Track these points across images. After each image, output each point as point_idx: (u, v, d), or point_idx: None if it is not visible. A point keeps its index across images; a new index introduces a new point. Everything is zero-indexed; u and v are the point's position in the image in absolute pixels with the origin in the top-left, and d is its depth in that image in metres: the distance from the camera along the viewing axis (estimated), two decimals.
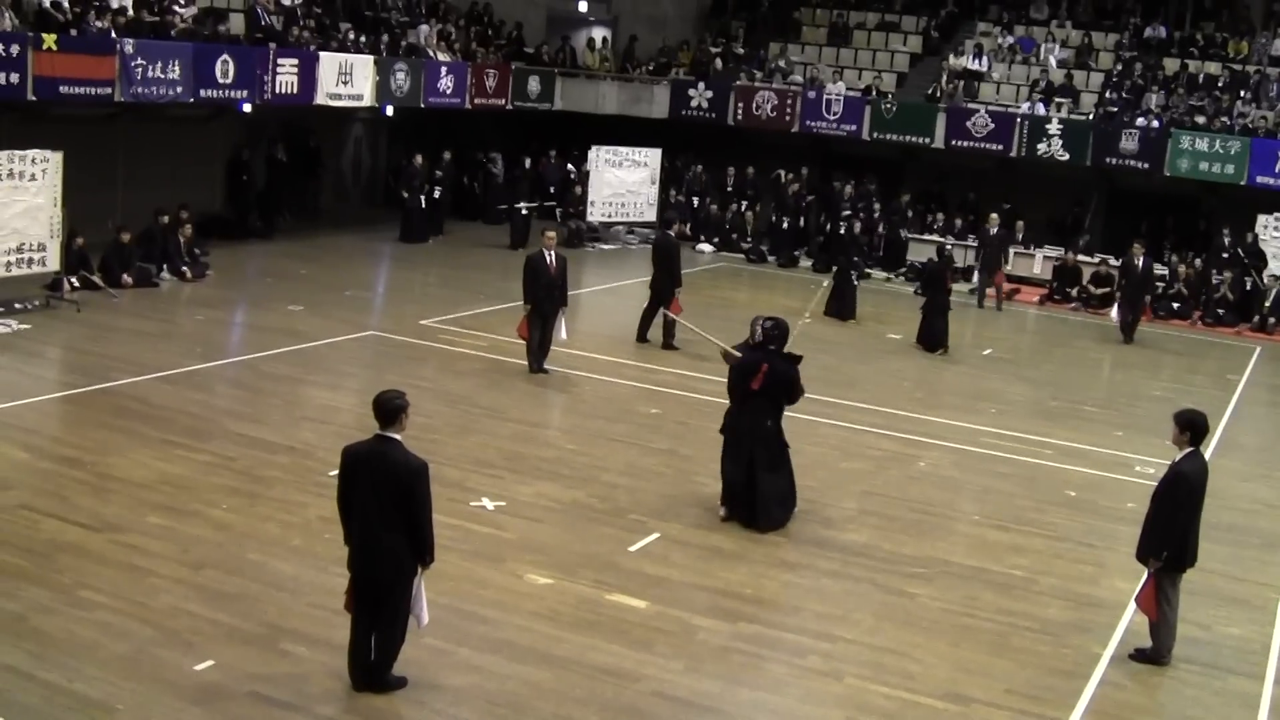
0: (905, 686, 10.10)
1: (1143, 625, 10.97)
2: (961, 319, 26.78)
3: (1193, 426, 10.53)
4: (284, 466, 13.86)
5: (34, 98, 21.42)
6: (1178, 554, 10.48)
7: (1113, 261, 28.91)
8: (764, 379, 12.93)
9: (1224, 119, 30.49)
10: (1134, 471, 15.91)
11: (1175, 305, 28.22)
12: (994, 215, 28.02)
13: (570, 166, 34.27)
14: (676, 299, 20.63)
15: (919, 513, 14.20)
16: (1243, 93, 31.67)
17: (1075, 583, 12.53)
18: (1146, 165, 29.79)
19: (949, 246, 25.74)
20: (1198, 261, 29.08)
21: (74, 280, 20.93)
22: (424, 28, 32.23)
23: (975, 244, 29.18)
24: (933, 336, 22.73)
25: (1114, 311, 25.94)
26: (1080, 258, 29.56)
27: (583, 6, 38.97)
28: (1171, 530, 10.41)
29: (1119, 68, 33.69)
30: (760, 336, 13.20)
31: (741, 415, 13.19)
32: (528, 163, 32.54)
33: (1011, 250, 29.02)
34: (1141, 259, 25.40)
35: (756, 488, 13.06)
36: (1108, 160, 30.20)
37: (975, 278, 28.42)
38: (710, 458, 15.29)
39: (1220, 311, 28.09)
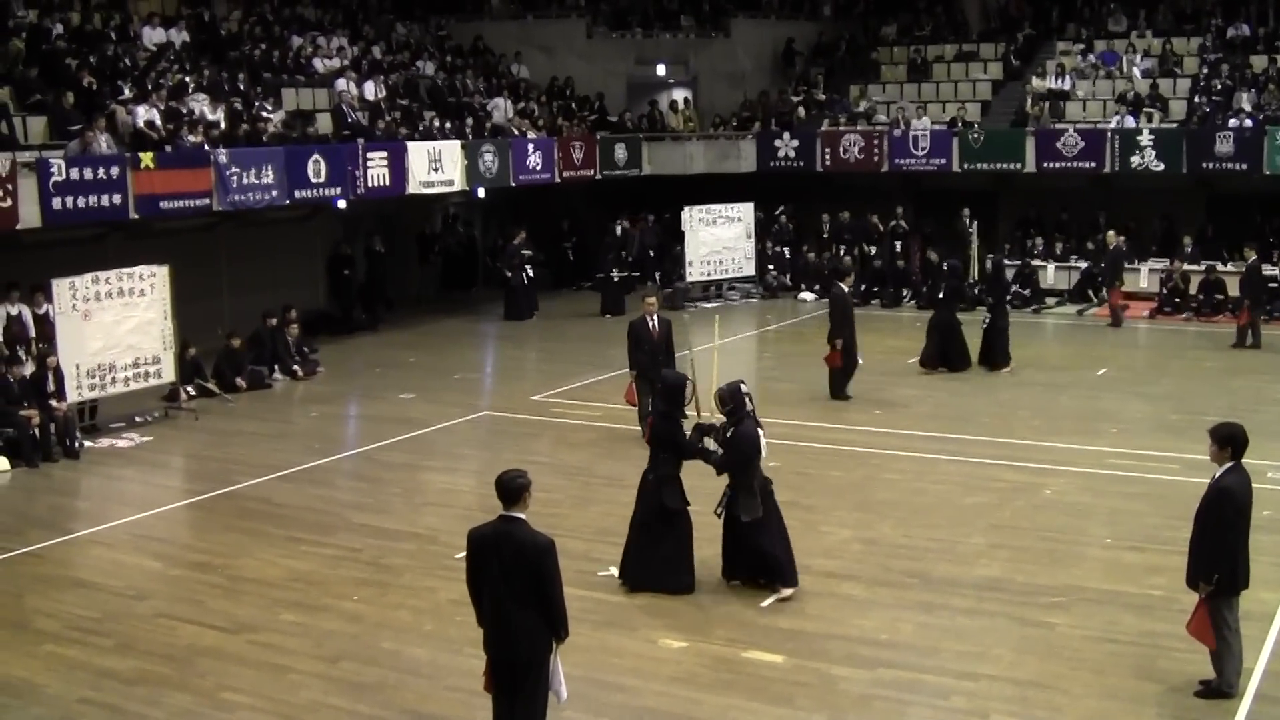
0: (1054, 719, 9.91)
1: None
2: (1072, 340, 26.55)
3: (1233, 441, 10.03)
4: (410, 553, 13.98)
5: (136, 215, 22.03)
6: (1229, 576, 9.94)
7: (1221, 267, 28.49)
8: (649, 430, 12.78)
9: None
10: (1267, 479, 15.43)
11: None
12: (1111, 233, 28.17)
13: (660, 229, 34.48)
14: (835, 350, 20.68)
15: (1049, 541, 13.97)
16: None
17: None
18: (1245, 166, 29.26)
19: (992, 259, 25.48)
20: None
21: (190, 389, 21.36)
22: (499, 100, 32.65)
23: (1092, 262, 29.31)
24: (994, 353, 23.19)
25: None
26: (1187, 266, 29.15)
27: (661, 70, 39.25)
28: (1220, 551, 9.91)
29: (1205, 71, 33.18)
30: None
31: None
32: (619, 229, 32.76)
33: (1124, 265, 28.67)
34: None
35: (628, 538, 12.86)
36: (1204, 165, 29.68)
37: (1104, 294, 28.58)
38: (833, 506, 15.24)
39: None
